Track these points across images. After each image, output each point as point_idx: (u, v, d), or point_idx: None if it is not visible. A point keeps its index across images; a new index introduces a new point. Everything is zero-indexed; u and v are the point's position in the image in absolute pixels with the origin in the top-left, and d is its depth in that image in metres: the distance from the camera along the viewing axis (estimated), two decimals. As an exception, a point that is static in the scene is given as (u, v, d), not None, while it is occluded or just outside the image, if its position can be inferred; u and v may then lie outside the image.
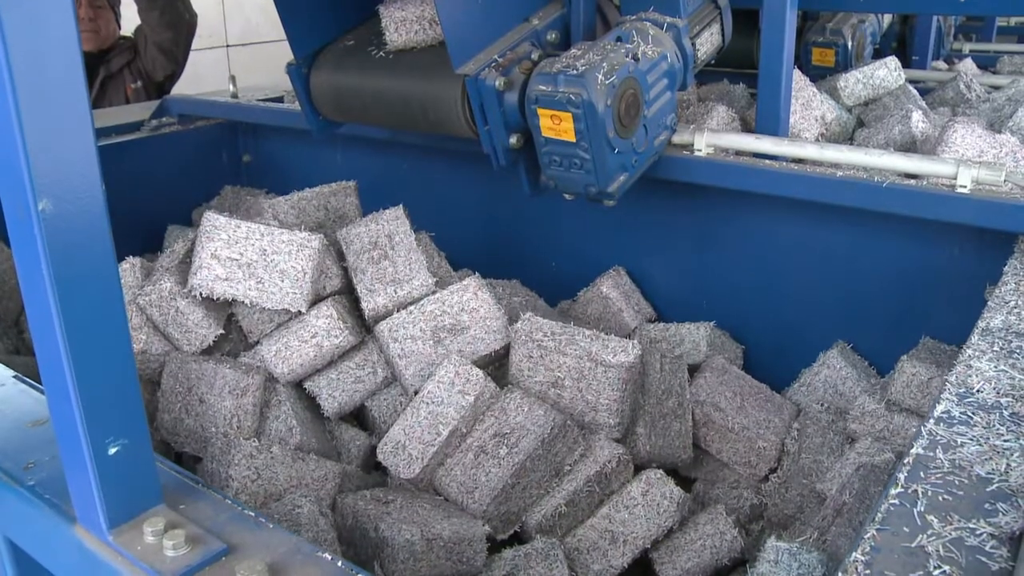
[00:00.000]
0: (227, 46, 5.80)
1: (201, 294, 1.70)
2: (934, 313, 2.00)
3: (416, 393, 1.69)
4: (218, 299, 1.72)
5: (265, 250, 1.69)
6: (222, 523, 1.07)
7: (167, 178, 2.90)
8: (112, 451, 0.99)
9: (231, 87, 3.07)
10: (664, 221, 2.31)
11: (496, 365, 1.86)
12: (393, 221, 1.82)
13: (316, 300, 1.74)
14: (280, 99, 3.16)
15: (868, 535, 0.92)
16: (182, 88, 3.67)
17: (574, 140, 1.74)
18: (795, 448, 1.91)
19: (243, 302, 1.71)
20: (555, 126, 1.74)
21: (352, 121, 2.28)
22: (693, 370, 2.12)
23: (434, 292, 1.79)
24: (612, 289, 2.21)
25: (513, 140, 1.86)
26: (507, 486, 1.63)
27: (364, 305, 1.75)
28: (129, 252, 1.91)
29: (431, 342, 1.72)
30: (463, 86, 1.84)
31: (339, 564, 0.98)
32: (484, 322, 1.75)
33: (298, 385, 1.79)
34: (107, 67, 3.66)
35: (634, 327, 2.22)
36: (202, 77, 5.17)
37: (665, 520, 1.72)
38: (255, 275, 1.68)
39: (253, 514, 1.09)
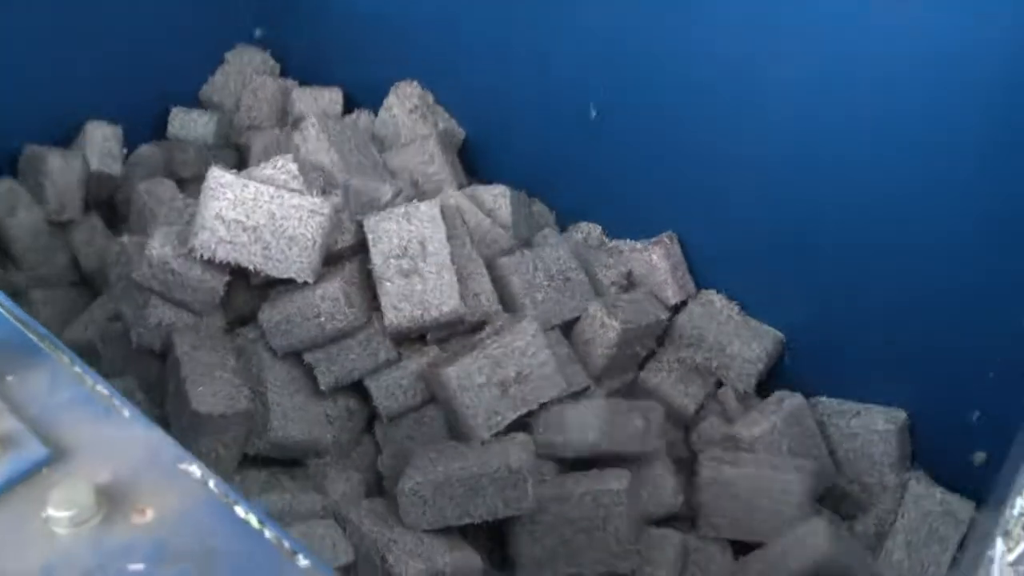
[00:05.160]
0: None
1: (202, 256, 1.59)
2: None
3: (482, 444, 1.56)
4: (219, 263, 1.61)
5: (274, 214, 1.56)
6: (56, 409, 0.77)
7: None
8: None
9: None
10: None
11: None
12: (428, 223, 1.67)
13: (328, 258, 1.63)
14: None
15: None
16: None
17: None
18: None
19: (247, 268, 1.60)
20: None
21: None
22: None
23: (498, 334, 1.64)
24: (662, 260, 1.96)
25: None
26: None
27: (386, 318, 1.62)
28: (135, 129, 1.86)
29: (498, 391, 1.59)
30: None
31: (211, 485, 0.74)
32: (541, 368, 1.61)
33: (296, 355, 1.67)
34: None
35: (673, 303, 1.90)
36: None
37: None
38: (261, 240, 1.56)
39: (108, 392, 0.79)
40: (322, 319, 1.58)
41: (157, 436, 0.77)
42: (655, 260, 1.90)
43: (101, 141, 1.98)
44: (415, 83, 2.17)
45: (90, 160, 1.95)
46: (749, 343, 1.80)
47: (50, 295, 1.86)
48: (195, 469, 0.74)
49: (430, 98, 2.17)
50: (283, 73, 2.37)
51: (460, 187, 2.02)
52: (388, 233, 1.64)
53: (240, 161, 2.18)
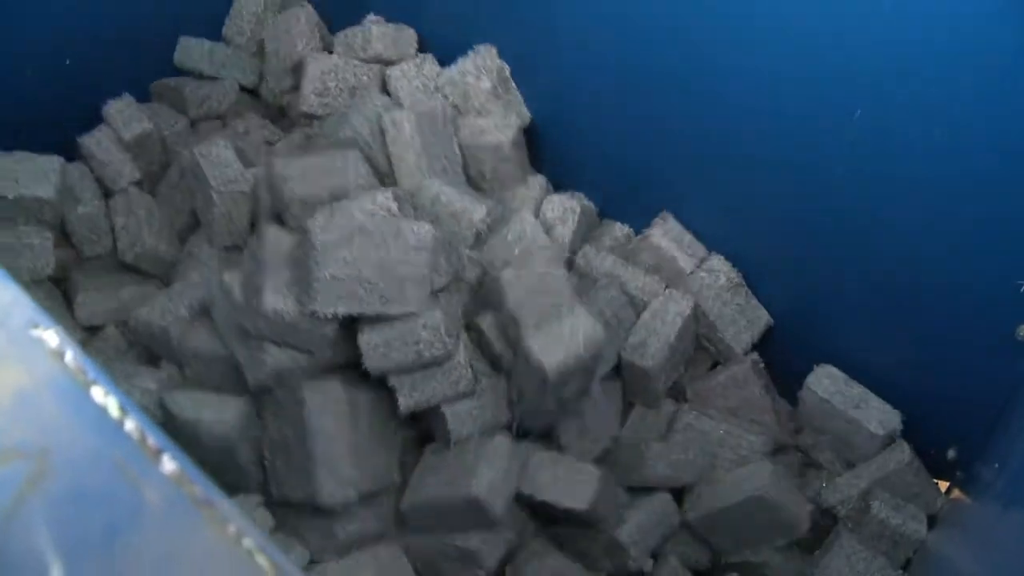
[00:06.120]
0: None
1: (325, 316, 1.65)
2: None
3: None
4: (343, 318, 1.67)
5: (382, 261, 1.64)
6: None
7: None
8: None
9: None
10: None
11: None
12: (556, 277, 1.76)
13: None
14: None
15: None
16: None
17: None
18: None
19: (369, 315, 1.66)
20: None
21: None
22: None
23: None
24: (663, 238, 2.03)
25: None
26: None
27: (539, 361, 1.69)
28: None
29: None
30: None
31: (67, 358, 0.58)
32: (584, 490, 1.67)
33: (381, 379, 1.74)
34: None
35: (689, 271, 1.95)
36: None
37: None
38: (376, 288, 1.65)
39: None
40: (420, 346, 1.67)
41: (11, 294, 0.62)
42: (655, 240, 1.96)
43: (120, 113, 1.97)
44: (494, 51, 2.07)
45: (121, 135, 1.96)
46: (740, 335, 1.89)
47: (92, 269, 1.87)
48: (51, 336, 0.59)
49: (507, 71, 2.07)
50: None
51: (524, 180, 2.06)
52: (527, 285, 1.75)
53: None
